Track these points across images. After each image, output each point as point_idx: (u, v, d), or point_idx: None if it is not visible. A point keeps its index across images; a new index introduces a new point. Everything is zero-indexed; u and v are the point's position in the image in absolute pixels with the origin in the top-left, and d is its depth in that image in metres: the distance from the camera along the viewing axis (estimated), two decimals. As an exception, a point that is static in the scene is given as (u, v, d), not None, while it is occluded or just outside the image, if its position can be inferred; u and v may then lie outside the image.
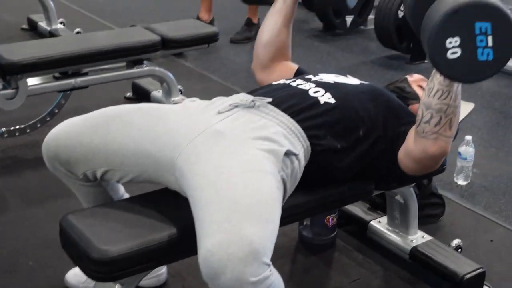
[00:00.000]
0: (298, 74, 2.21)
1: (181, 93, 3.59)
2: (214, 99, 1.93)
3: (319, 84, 1.97)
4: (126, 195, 2.06)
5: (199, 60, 4.57)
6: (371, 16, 5.32)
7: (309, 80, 2.00)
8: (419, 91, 2.16)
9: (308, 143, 1.82)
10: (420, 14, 1.65)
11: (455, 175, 3.00)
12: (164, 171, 1.77)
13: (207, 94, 3.75)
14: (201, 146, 1.73)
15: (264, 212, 1.55)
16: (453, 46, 1.52)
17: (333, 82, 2.00)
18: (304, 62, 4.25)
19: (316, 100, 1.89)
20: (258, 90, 2.00)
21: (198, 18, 4.82)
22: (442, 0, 1.56)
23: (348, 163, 1.89)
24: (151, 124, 1.83)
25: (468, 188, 2.99)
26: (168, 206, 1.79)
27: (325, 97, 1.90)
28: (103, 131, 1.83)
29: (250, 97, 1.88)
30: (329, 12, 5.12)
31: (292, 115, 1.83)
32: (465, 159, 2.97)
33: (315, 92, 1.92)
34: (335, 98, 1.90)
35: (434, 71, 1.70)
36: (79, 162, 1.85)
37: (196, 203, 1.60)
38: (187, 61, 4.53)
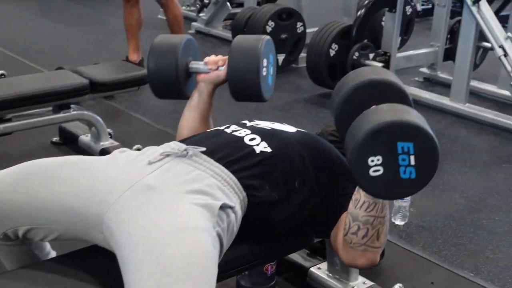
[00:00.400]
0: None
1: (111, 137, 3.47)
2: (145, 148, 1.84)
3: (254, 130, 1.90)
4: (53, 253, 1.93)
5: (130, 101, 4.46)
6: (303, 54, 5.35)
7: (244, 126, 1.93)
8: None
9: (244, 194, 1.74)
10: (343, 126, 1.66)
11: (392, 215, 2.97)
12: (91, 229, 1.66)
13: (138, 137, 3.61)
14: (131, 202, 1.63)
15: (199, 275, 1.47)
16: (375, 164, 1.50)
17: (269, 128, 1.94)
18: (236, 104, 4.22)
19: (251, 149, 1.82)
20: (191, 138, 1.92)
21: (127, 59, 4.71)
22: (364, 117, 1.55)
23: (286, 215, 1.83)
24: (76, 177, 1.73)
25: (406, 228, 2.96)
26: (99, 265, 1.69)
27: (261, 146, 1.84)
28: (24, 187, 1.71)
29: (182, 146, 1.80)
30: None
31: (227, 165, 1.76)
32: (402, 199, 2.94)
33: (250, 140, 1.85)
34: (271, 147, 1.84)
35: None
36: (-1, 221, 1.72)
37: (125, 264, 1.50)
38: (117, 103, 4.41)
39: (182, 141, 1.90)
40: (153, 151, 1.80)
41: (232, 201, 1.70)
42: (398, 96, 1.70)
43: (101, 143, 3.41)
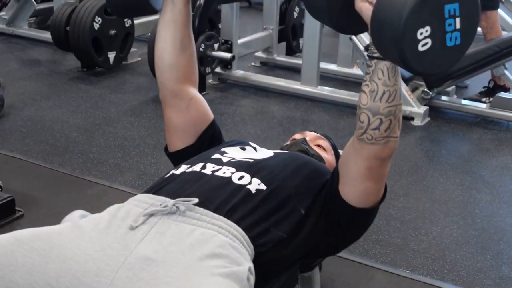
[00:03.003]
0: (212, 127, 1.85)
1: (1, 189, 2.85)
2: (111, 209, 1.46)
3: (237, 166, 1.60)
4: None
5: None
6: (133, 49, 5.00)
7: (221, 163, 1.62)
8: (319, 152, 1.92)
9: (252, 246, 1.45)
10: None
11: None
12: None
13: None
14: (130, 285, 1.26)
15: None
16: (424, 37, 1.32)
17: (251, 160, 1.64)
18: (75, 108, 3.81)
19: (247, 190, 1.53)
20: (162, 185, 1.57)
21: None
22: None
23: (297, 247, 1.58)
24: (39, 262, 1.31)
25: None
26: None
27: (255, 185, 1.56)
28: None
29: (166, 200, 1.45)
30: (91, 50, 4.62)
31: (228, 215, 1.45)
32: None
33: (239, 178, 1.56)
34: (265, 183, 1.57)
35: (371, 70, 1.46)
36: None
37: None
38: None
39: (150, 191, 1.55)
40: (126, 211, 1.44)
41: (247, 259, 1.40)
42: None
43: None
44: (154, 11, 1.77)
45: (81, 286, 1.28)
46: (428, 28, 1.32)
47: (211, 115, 1.86)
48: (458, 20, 1.35)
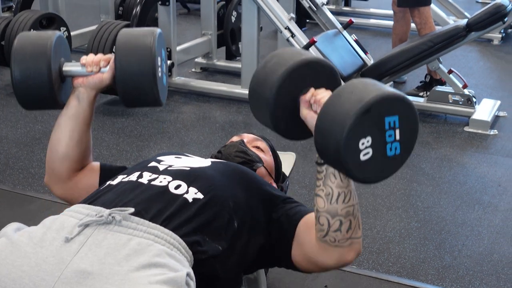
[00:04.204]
0: (105, 171, 1.83)
1: None
2: (46, 221, 1.46)
3: (174, 174, 1.60)
4: None
5: None
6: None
7: (157, 171, 1.62)
8: (257, 153, 1.94)
9: (190, 253, 1.46)
10: (281, 118, 1.54)
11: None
12: None
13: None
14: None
15: None
16: (366, 147, 1.38)
17: (188, 169, 1.64)
18: (14, 123, 3.67)
19: (183, 200, 1.54)
20: (98, 196, 1.56)
21: None
22: (341, 99, 1.39)
23: (233, 265, 1.57)
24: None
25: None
26: None
27: (191, 193, 1.56)
28: None
29: (101, 210, 1.44)
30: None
31: (165, 223, 1.46)
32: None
33: (176, 187, 1.56)
34: (202, 192, 1.57)
35: (323, 175, 1.50)
36: None
37: None
38: None
39: (87, 201, 1.54)
40: (61, 222, 1.43)
41: (185, 265, 1.41)
42: (328, 72, 1.57)
43: None
44: (61, 106, 1.77)
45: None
46: (369, 138, 1.37)
47: (96, 166, 1.84)
48: (397, 131, 1.41)
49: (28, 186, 3.21)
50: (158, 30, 1.74)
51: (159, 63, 1.72)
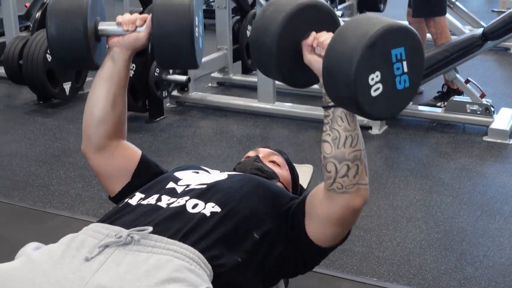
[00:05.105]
0: (143, 163, 1.82)
1: None
2: (65, 239, 1.46)
3: (191, 195, 1.61)
4: None
5: None
6: (89, 78, 4.98)
7: (175, 194, 1.62)
8: (273, 168, 1.93)
9: (210, 267, 1.46)
10: (285, 62, 1.54)
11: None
12: None
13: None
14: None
15: None
16: (376, 82, 1.38)
17: (205, 187, 1.65)
18: (33, 141, 3.78)
19: (202, 215, 1.54)
20: (118, 216, 1.57)
21: None
22: (346, 35, 1.39)
23: (251, 278, 1.56)
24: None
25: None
26: None
27: (209, 208, 1.57)
28: None
29: (120, 230, 1.45)
30: (45, 83, 4.59)
31: (183, 239, 1.47)
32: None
33: (193, 207, 1.57)
34: (219, 205, 1.58)
35: (330, 119, 1.49)
36: None
37: None
38: None
39: (106, 220, 1.55)
40: (81, 241, 1.44)
41: (205, 280, 1.41)
42: (327, 15, 1.58)
43: None
44: (96, 67, 1.77)
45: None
46: (378, 73, 1.37)
47: (138, 153, 1.85)
48: (405, 63, 1.41)
49: (48, 203, 3.23)
50: None
51: (197, 23, 1.69)
